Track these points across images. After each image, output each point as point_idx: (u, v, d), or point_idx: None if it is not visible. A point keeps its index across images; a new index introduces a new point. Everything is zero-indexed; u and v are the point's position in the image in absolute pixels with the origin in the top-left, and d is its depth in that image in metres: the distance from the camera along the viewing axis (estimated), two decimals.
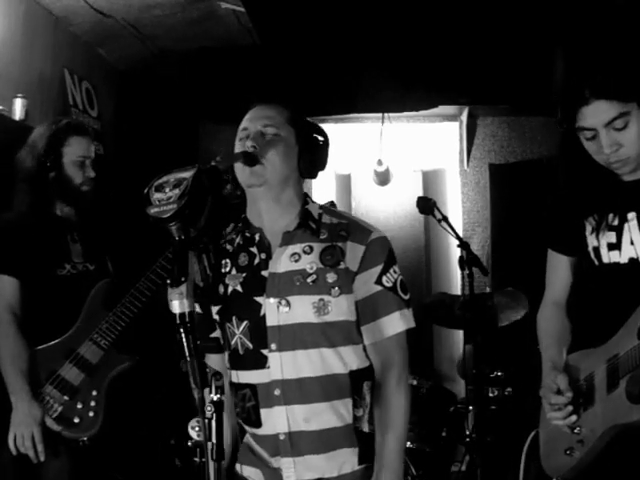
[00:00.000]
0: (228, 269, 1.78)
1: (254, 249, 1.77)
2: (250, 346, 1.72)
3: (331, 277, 1.70)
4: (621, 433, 1.68)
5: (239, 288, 1.75)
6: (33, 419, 2.29)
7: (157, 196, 1.27)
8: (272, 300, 1.70)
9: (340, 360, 1.70)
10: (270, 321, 1.70)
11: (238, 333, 1.74)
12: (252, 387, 1.72)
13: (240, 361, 1.75)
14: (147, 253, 2.50)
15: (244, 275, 1.76)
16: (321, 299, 1.69)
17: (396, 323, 1.74)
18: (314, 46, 4.21)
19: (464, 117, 4.91)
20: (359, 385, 1.73)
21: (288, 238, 1.75)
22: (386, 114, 4.88)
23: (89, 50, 4.14)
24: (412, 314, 1.78)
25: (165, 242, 1.31)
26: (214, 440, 1.28)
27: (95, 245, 2.61)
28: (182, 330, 1.25)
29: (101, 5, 3.63)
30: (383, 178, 4.90)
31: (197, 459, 1.29)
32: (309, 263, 1.71)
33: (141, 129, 4.55)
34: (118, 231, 2.87)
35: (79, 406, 2.39)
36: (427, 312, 3.75)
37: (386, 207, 4.97)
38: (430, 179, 4.98)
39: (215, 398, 1.31)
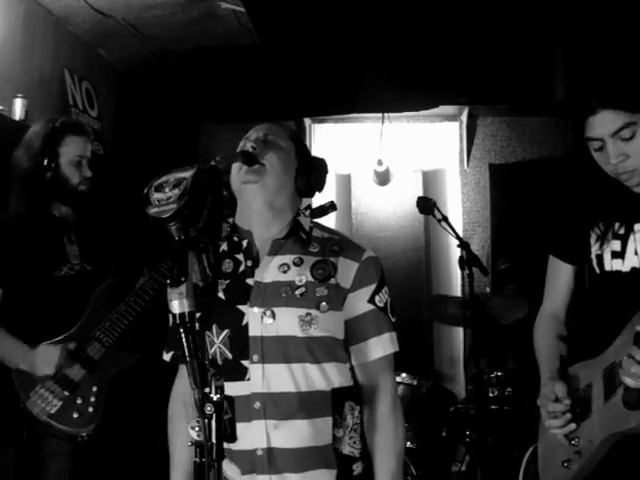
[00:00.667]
0: None
1: (240, 256, 1.72)
2: (229, 356, 1.66)
3: (321, 291, 1.65)
4: (619, 442, 1.65)
5: (221, 295, 1.69)
6: (46, 360, 2.33)
7: (157, 196, 1.26)
8: (256, 310, 1.64)
9: (323, 377, 1.65)
10: (252, 331, 1.64)
11: (217, 342, 1.67)
12: (229, 399, 1.69)
13: (218, 372, 1.70)
14: (147, 253, 2.50)
15: (227, 282, 1.70)
16: (308, 313, 1.64)
17: (386, 344, 1.71)
18: (314, 46, 4.22)
19: (464, 117, 4.91)
20: (341, 404, 1.68)
21: (277, 247, 1.70)
22: (386, 114, 4.87)
23: (89, 50, 4.14)
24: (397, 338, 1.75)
25: (165, 242, 1.31)
26: (214, 440, 1.28)
27: (93, 245, 2.60)
28: (182, 330, 1.25)
29: (101, 5, 3.64)
30: (383, 178, 4.89)
31: (197, 459, 1.28)
32: (299, 275, 1.67)
33: (141, 129, 4.55)
34: (118, 231, 2.87)
35: (79, 401, 2.38)
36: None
37: (386, 207, 4.96)
38: (430, 179, 4.97)
39: (215, 398, 1.31)
